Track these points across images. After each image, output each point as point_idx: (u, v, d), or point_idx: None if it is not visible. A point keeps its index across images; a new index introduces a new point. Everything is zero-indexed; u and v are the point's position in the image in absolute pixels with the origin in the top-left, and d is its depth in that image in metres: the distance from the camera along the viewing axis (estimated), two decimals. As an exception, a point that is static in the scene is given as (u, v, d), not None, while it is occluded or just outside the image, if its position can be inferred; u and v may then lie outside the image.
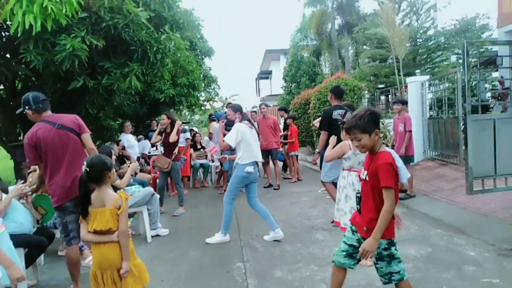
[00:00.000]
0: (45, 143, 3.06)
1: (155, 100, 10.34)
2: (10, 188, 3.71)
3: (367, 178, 2.22)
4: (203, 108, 15.38)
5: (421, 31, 13.96)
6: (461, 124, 6.51)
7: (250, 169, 4.35)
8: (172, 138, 5.99)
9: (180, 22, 7.15)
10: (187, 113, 21.11)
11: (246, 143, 4.38)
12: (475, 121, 4.36)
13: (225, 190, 5.25)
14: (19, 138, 6.44)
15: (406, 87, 8.96)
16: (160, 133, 6.39)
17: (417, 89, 8.17)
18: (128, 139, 7.84)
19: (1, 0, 3.91)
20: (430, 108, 8.29)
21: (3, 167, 10.39)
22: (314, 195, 6.70)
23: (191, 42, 11.67)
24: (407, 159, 5.78)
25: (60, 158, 3.12)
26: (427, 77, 8.82)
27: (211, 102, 16.25)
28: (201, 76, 12.87)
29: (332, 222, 4.29)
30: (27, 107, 3.11)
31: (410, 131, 5.73)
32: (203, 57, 13.71)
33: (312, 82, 17.27)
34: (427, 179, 6.57)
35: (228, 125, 5.17)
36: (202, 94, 14.10)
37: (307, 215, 5.41)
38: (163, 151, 6.23)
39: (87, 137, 3.28)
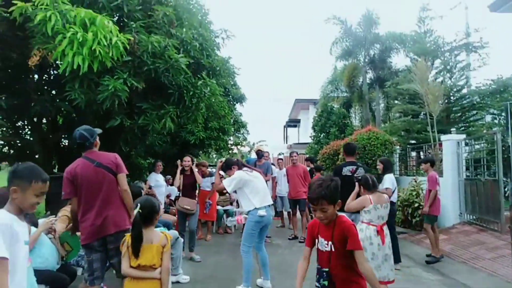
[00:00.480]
0: (81, 179, 3.12)
1: (185, 142, 10.48)
2: (40, 221, 3.73)
3: (332, 249, 2.07)
4: (230, 151, 15.52)
5: (454, 89, 13.81)
6: (504, 188, 6.20)
7: (262, 212, 4.32)
8: (199, 180, 6.15)
9: (216, 69, 7.39)
10: (214, 155, 21.33)
11: (250, 190, 4.38)
12: (520, 187, 4.11)
13: None
14: (54, 170, 6.61)
15: (440, 144, 8.72)
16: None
17: (452, 148, 7.90)
18: (156, 178, 7.88)
19: (54, 42, 4.17)
20: (467, 169, 7.96)
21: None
22: (342, 251, 6.36)
23: (225, 88, 11.98)
24: (430, 219, 5.66)
25: (94, 196, 3.14)
26: (463, 136, 8.57)
27: (238, 146, 16.43)
28: (232, 121, 13.08)
29: None
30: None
31: (432, 190, 5.62)
32: (235, 103, 14.01)
33: (342, 133, 17.21)
34: (465, 245, 6.12)
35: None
36: (231, 138, 14.26)
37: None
38: (181, 193, 6.20)
39: (122, 177, 3.30)
